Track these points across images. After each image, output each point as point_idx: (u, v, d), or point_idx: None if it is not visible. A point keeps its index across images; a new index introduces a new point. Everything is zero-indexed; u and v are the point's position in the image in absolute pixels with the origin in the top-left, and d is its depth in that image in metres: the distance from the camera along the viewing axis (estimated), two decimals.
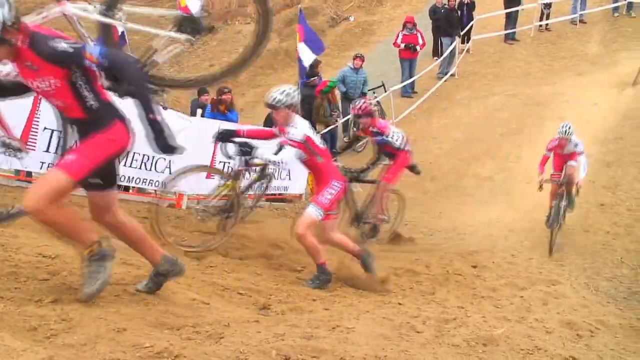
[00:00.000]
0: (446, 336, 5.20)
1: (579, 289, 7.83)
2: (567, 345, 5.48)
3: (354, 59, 14.21)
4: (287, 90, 6.69)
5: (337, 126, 13.18)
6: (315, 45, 12.85)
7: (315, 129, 12.53)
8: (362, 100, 9.07)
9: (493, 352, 4.82)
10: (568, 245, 9.17)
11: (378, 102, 14.58)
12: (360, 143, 13.96)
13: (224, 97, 11.06)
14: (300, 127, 6.62)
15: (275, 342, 3.78)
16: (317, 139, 6.84)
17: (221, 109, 10.96)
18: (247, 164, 7.19)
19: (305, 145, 6.57)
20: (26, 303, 3.68)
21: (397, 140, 8.72)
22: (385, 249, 8.85)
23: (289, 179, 11.41)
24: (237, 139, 7.04)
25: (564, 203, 9.55)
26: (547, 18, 19.09)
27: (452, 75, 17.05)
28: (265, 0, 5.78)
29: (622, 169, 11.53)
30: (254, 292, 5.72)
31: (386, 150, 8.95)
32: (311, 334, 4.22)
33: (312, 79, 13.15)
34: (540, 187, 9.86)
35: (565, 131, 9.59)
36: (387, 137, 8.69)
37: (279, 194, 11.43)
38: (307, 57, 12.83)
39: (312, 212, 6.58)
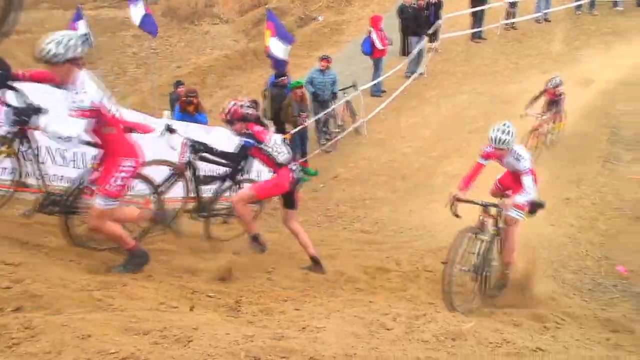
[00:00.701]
0: (416, 332, 5.22)
1: (547, 281, 7.92)
2: (534, 338, 5.53)
3: (320, 61, 14.19)
4: (62, 40, 5.09)
5: (306, 127, 13.16)
6: (286, 38, 12.83)
7: (285, 129, 12.56)
8: (232, 103, 7.42)
9: (462, 346, 4.85)
10: (534, 240, 9.26)
11: (349, 101, 14.63)
12: (330, 143, 14.04)
13: (190, 98, 10.98)
14: (89, 91, 5.19)
15: (244, 344, 3.76)
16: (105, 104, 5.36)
17: (189, 110, 10.87)
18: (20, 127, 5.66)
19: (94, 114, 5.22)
20: None
21: (279, 154, 7.35)
22: (355, 248, 8.88)
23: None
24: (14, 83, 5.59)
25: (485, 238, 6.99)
26: (514, 17, 19.33)
27: (421, 74, 17.15)
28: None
29: (586, 164, 11.70)
30: (224, 294, 5.68)
31: (263, 161, 7.58)
32: (281, 335, 4.20)
33: (281, 78, 13.13)
34: (452, 207, 7.34)
35: (498, 139, 7.12)
36: (265, 144, 7.33)
37: None
38: (281, 50, 12.80)
39: (100, 204, 5.44)
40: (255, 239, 7.65)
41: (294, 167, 7.51)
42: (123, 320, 3.86)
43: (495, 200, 7.41)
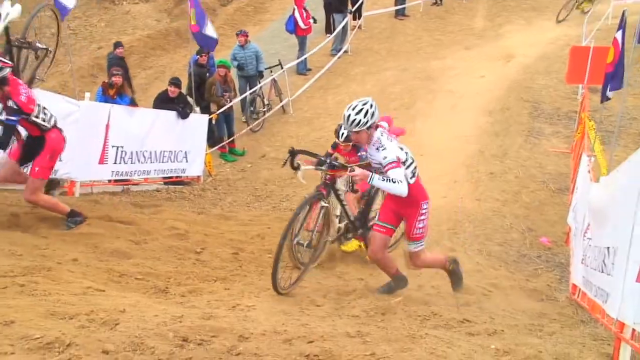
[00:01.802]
0: (346, 308, 5.33)
1: (473, 255, 8.16)
2: (461, 309, 5.73)
3: (237, 37, 14.13)
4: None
5: (232, 107, 13.04)
6: (202, 20, 12.57)
7: (209, 110, 12.41)
8: None
9: (391, 320, 4.98)
10: (461, 214, 9.52)
11: (275, 80, 14.58)
12: (257, 122, 13.98)
13: (113, 79, 10.66)
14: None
15: (172, 325, 3.75)
16: None
17: (110, 94, 10.57)
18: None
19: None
20: None
21: (39, 118, 6.60)
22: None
23: (186, 160, 11.24)
24: None
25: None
26: None
27: (346, 51, 17.24)
28: None
29: (509, 138, 12.07)
30: (152, 276, 5.64)
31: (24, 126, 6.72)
32: (210, 314, 4.21)
33: (200, 56, 12.93)
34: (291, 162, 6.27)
35: (350, 119, 5.66)
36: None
37: (177, 177, 11.24)
38: (211, 30, 12.53)
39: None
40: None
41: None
42: (48, 305, 3.78)
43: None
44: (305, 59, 16.23)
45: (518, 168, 11.05)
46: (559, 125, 12.46)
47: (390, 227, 6.13)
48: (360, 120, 5.59)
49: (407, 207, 5.96)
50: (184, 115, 11.00)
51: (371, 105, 5.68)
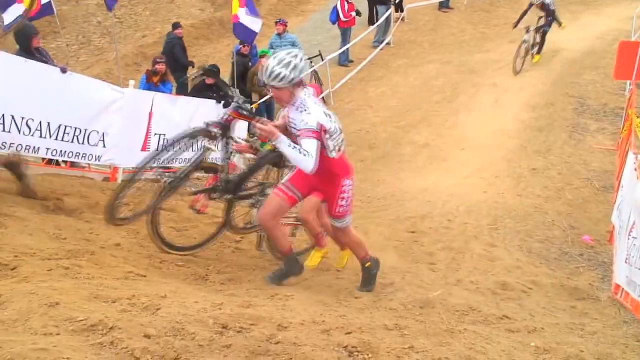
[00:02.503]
0: (384, 300, 5.31)
1: (513, 251, 8.06)
2: (500, 305, 5.66)
3: (276, 25, 14.18)
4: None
5: (272, 96, 13.06)
6: (253, 11, 12.62)
7: (251, 100, 12.46)
8: None
9: (429, 313, 4.94)
10: (501, 210, 9.40)
11: (315, 71, 14.57)
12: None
13: (157, 67, 10.78)
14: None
15: (212, 312, 3.78)
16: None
17: (154, 81, 10.70)
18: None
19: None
20: None
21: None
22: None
23: None
24: None
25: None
26: None
27: (388, 43, 17.13)
28: None
29: (553, 134, 11.88)
30: (192, 263, 5.69)
31: None
32: (249, 303, 4.23)
33: (242, 46, 12.98)
34: None
35: (270, 71, 4.86)
36: None
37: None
38: (251, 20, 12.60)
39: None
40: None
41: None
42: (91, 288, 3.84)
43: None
44: (347, 50, 16.17)
45: (561, 164, 10.87)
46: (605, 122, 12.20)
47: (295, 194, 5.29)
48: (283, 75, 4.80)
49: (326, 183, 5.31)
50: (225, 104, 11.06)
51: (300, 59, 4.92)
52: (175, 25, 14.46)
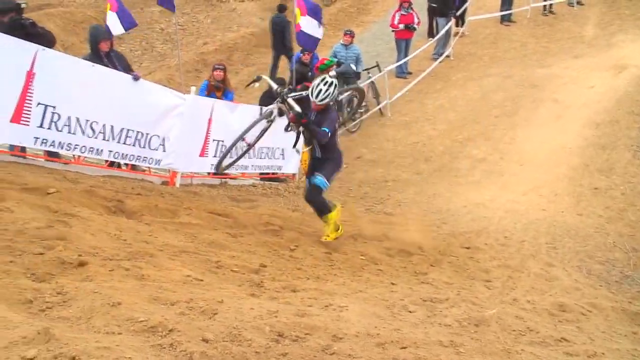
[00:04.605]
0: (438, 316, 5.23)
1: (572, 271, 7.85)
2: (558, 327, 5.52)
3: (343, 35, 14.18)
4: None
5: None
6: (317, 16, 12.71)
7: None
8: None
9: (485, 332, 4.85)
10: (561, 229, 9.18)
11: (373, 82, 14.55)
12: (354, 123, 13.98)
13: (214, 73, 10.90)
14: None
15: (268, 319, 3.80)
16: None
17: (217, 95, 10.82)
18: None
19: None
20: (21, 276, 3.68)
21: None
22: (378, 229, 8.86)
23: (283, 158, 11.40)
24: None
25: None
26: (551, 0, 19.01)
27: (448, 56, 16.97)
28: None
29: (616, 153, 11.54)
30: (248, 269, 5.73)
31: None
32: (304, 312, 4.24)
33: (305, 52, 13.03)
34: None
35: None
36: None
37: (273, 173, 11.42)
38: (314, 28, 12.69)
39: None
40: None
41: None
42: (151, 290, 3.92)
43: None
44: (406, 62, 16.09)
45: (625, 184, 10.55)
46: None
47: None
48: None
49: None
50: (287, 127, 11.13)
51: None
52: (282, 7, 15.61)
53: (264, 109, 7.45)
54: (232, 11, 22.43)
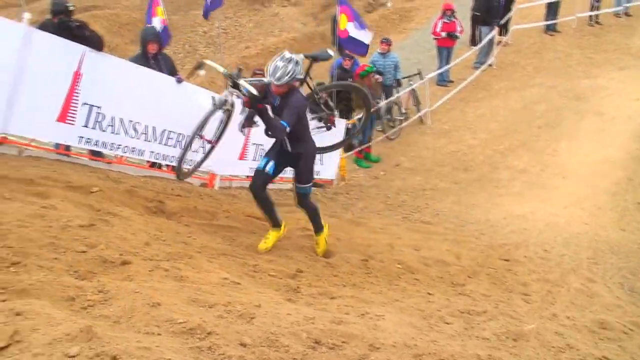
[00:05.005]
0: (476, 329, 5.16)
1: (613, 288, 7.66)
2: (599, 345, 5.39)
3: (380, 44, 14.14)
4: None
5: (376, 111, 13.13)
6: (362, 24, 12.73)
7: (352, 114, 12.52)
8: None
9: (523, 347, 4.77)
10: (603, 244, 8.99)
11: (414, 90, 14.48)
12: (393, 130, 13.92)
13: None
14: None
15: (305, 325, 3.79)
16: None
17: None
18: None
19: None
20: (64, 274, 3.74)
21: None
22: (415, 238, 8.80)
23: (321, 163, 11.39)
24: None
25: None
26: (597, 10, 18.65)
27: (490, 65, 16.79)
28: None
29: None
30: (284, 274, 5.74)
31: None
32: (340, 319, 4.22)
33: (346, 57, 13.04)
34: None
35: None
36: None
37: None
38: (362, 33, 12.71)
39: None
40: None
41: None
42: (189, 292, 3.95)
43: None
44: (448, 70, 15.98)
45: None
46: None
47: None
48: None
49: None
50: (328, 127, 11.14)
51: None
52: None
53: (216, 97, 6.41)
54: (274, 16, 22.62)
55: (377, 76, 13.11)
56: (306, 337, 3.54)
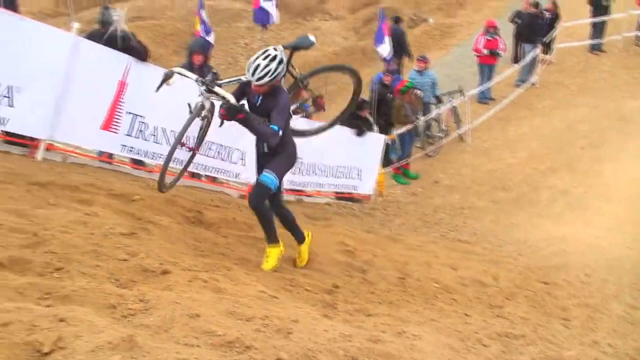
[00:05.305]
0: (514, 353, 5.07)
1: None
2: None
3: (417, 62, 14.10)
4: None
5: (416, 127, 13.11)
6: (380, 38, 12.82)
7: (392, 129, 12.50)
8: None
9: None
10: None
11: (455, 106, 14.39)
12: (433, 147, 13.83)
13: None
14: None
15: (342, 343, 3.76)
16: None
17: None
18: None
19: None
20: (106, 281, 3.79)
21: None
22: (452, 257, 8.70)
23: (359, 178, 11.38)
24: None
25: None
26: None
27: (533, 83, 16.59)
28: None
29: None
30: (320, 289, 5.72)
31: None
32: (377, 338, 4.17)
33: (387, 74, 13.04)
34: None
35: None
36: None
37: (348, 193, 11.42)
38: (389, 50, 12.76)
39: None
40: None
41: None
42: (228, 304, 3.95)
43: None
44: (489, 87, 15.85)
45: None
46: None
47: None
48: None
49: None
50: (360, 132, 11.17)
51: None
52: (398, 19, 16.37)
53: (192, 104, 5.85)
54: (315, 29, 22.75)
55: (418, 92, 13.07)
56: (343, 355, 3.52)
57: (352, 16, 24.14)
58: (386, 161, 12.46)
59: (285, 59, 5.60)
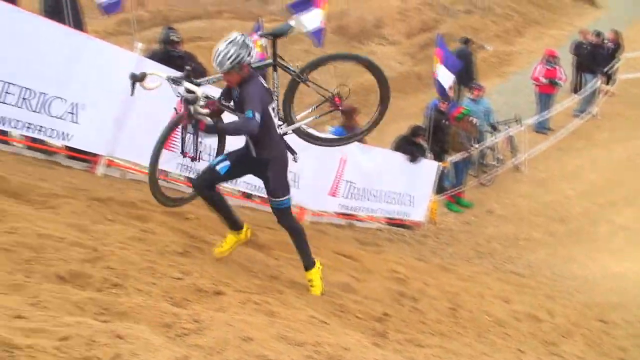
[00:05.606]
0: None
1: None
2: None
3: (472, 90, 13.91)
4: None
5: (471, 154, 12.95)
6: (453, 67, 12.63)
7: (447, 157, 12.37)
8: None
9: None
10: None
11: (511, 135, 14.17)
12: (487, 176, 13.62)
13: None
14: None
15: None
16: None
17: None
18: None
19: None
20: (161, 299, 3.82)
21: None
22: (506, 289, 8.49)
23: (412, 205, 11.28)
24: None
25: None
26: None
27: (593, 115, 16.21)
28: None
29: None
30: (371, 316, 5.63)
31: None
32: None
33: (442, 102, 12.92)
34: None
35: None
36: None
37: (400, 219, 11.31)
38: (447, 78, 12.65)
39: None
40: None
41: None
42: (279, 328, 3.92)
43: None
44: (547, 117, 15.56)
45: None
46: None
47: None
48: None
49: None
50: (414, 159, 11.10)
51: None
52: (466, 40, 16.51)
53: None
54: (371, 54, 22.72)
55: (474, 119, 12.93)
56: None
57: (408, 41, 24.10)
58: (440, 188, 12.31)
59: (251, 45, 5.18)
